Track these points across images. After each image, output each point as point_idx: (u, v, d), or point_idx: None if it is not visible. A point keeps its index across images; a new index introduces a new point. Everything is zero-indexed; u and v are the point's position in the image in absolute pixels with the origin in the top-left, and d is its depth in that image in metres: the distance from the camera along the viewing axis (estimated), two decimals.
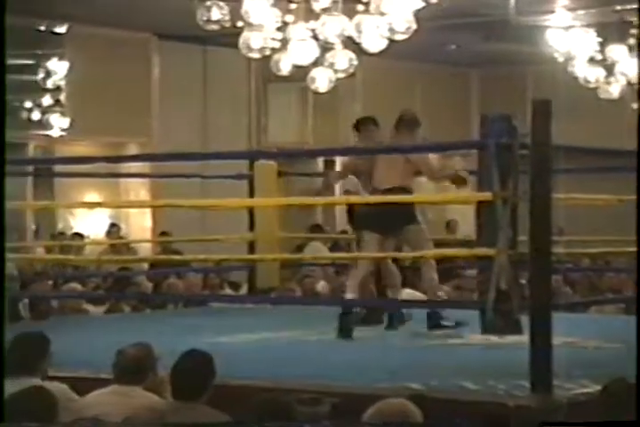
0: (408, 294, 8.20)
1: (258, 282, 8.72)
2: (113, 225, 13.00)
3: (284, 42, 8.87)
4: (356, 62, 8.94)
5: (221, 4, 8.59)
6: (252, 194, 8.54)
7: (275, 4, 8.63)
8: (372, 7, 8.63)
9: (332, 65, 9.03)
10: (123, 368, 4.67)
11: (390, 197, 6.80)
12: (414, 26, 8.63)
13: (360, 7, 8.66)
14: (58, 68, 13.00)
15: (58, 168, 11.79)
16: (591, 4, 12.19)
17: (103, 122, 13.09)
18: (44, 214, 13.29)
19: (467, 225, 11.50)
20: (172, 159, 8.80)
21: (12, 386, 4.18)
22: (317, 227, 13.36)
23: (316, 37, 8.78)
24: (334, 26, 8.65)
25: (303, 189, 11.29)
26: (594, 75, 12.42)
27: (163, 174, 11.23)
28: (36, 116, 13.03)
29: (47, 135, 13.05)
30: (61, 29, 12.98)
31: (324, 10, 8.60)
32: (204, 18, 8.65)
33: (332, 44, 8.81)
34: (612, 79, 12.43)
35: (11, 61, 13.26)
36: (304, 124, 15.20)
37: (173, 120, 13.66)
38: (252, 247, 8.62)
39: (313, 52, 8.87)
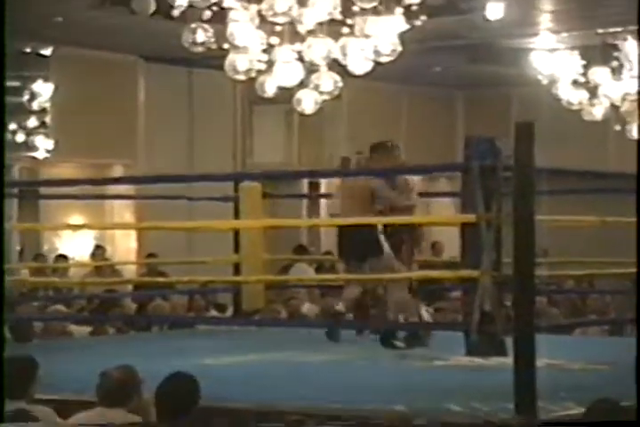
0: None
1: (243, 304, 8.71)
2: (98, 247, 12.98)
3: (270, 64, 8.89)
4: (341, 84, 8.97)
5: (206, 26, 8.62)
6: (237, 215, 8.55)
7: (260, 27, 8.66)
8: (357, 29, 8.67)
9: (317, 87, 9.05)
10: (107, 391, 4.65)
11: (379, 218, 6.83)
12: (399, 48, 8.68)
13: (345, 29, 8.70)
14: (43, 90, 13.01)
15: (43, 190, 11.77)
16: (575, 27, 12.29)
17: (88, 143, 13.10)
18: (30, 236, 13.26)
19: (452, 247, 11.51)
20: (157, 182, 8.80)
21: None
22: (302, 248, 13.36)
23: (301, 59, 8.81)
24: (320, 48, 8.68)
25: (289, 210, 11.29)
26: (577, 97, 12.51)
27: (148, 196, 11.23)
28: (21, 137, 13.03)
29: (32, 157, 13.04)
30: (47, 51, 13.00)
31: (310, 32, 8.63)
32: (190, 40, 8.68)
33: (318, 66, 8.84)
34: (595, 101, 12.51)
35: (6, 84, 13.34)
36: (289, 146, 15.23)
37: (159, 142, 13.68)
38: (237, 269, 8.61)
39: (298, 73, 8.89)
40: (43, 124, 13.06)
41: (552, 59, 12.43)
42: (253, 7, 8.50)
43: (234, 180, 9.20)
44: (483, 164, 5.67)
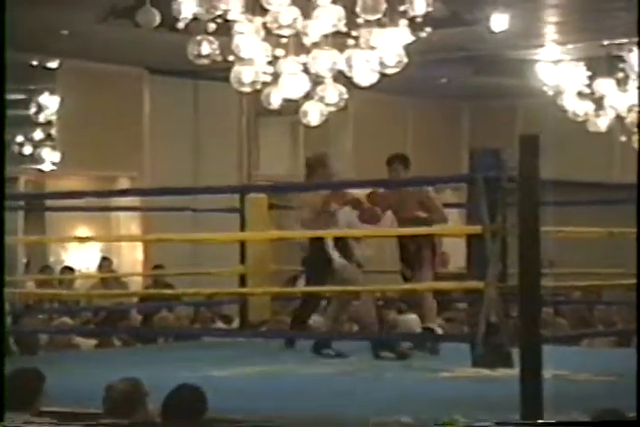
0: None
1: (249, 315, 8.71)
2: (104, 259, 12.99)
3: (275, 76, 8.91)
4: (346, 96, 8.97)
5: (212, 38, 8.63)
6: (243, 227, 8.55)
7: (265, 39, 8.68)
8: (363, 41, 8.68)
9: (322, 99, 9.06)
10: (112, 403, 4.65)
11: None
12: (405, 60, 8.69)
13: (350, 41, 8.72)
14: (49, 103, 13.05)
15: (49, 202, 11.80)
16: (580, 39, 12.30)
17: (94, 156, 13.13)
18: (36, 248, 13.28)
19: (458, 258, 11.51)
20: (163, 194, 8.82)
21: (6, 422, 4.20)
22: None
23: (306, 71, 8.83)
24: (325, 60, 8.69)
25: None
26: (583, 108, 12.52)
27: (154, 208, 11.25)
28: (27, 150, 13.07)
29: (38, 169, 13.08)
30: (53, 64, 13.05)
31: (315, 44, 8.65)
32: (195, 52, 8.69)
33: (323, 77, 8.86)
34: (600, 113, 12.52)
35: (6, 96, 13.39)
36: (295, 158, 15.24)
37: (165, 154, 13.70)
38: (243, 281, 8.62)
39: (304, 85, 8.91)
40: (49, 136, 13.10)
41: (557, 70, 12.44)
42: (258, 19, 8.52)
43: (240, 192, 9.22)
44: (487, 175, 5.68)
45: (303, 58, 8.79)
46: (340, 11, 8.39)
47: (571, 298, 11.08)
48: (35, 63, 12.99)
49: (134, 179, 13.69)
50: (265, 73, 8.87)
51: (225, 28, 8.59)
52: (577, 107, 12.54)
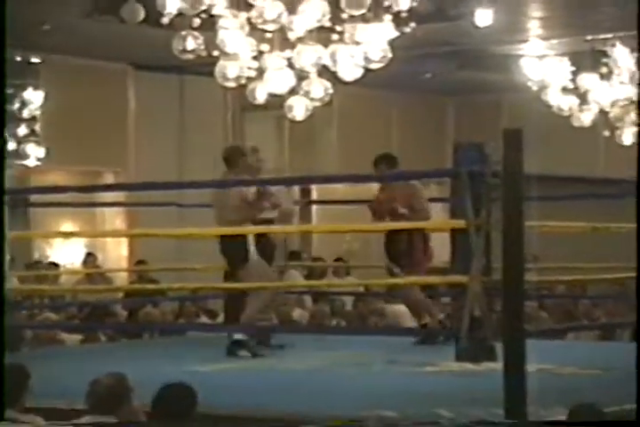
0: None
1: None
2: (89, 254, 12.97)
3: (260, 71, 8.90)
4: (331, 91, 8.98)
5: (197, 33, 8.62)
6: None
7: (250, 34, 8.67)
8: (347, 36, 8.68)
9: (307, 93, 9.06)
10: (97, 398, 4.64)
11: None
12: (389, 55, 8.70)
13: (335, 36, 8.72)
14: (33, 98, 13.01)
15: (33, 198, 11.76)
16: (564, 34, 12.33)
17: (79, 151, 13.10)
18: (20, 244, 13.24)
19: (442, 253, 11.53)
20: (148, 188, 8.80)
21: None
22: (295, 254, 13.38)
23: (291, 66, 8.83)
24: (310, 55, 8.69)
25: None
26: (567, 103, 12.55)
27: (139, 203, 11.23)
28: (11, 145, 13.02)
29: (23, 165, 13.04)
30: (37, 59, 13.01)
31: (300, 39, 8.65)
32: (180, 47, 8.68)
33: (308, 72, 8.86)
34: (584, 107, 12.55)
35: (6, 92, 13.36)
36: (280, 152, 15.24)
37: (149, 149, 13.68)
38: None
39: (289, 80, 8.91)
40: (33, 131, 13.07)
41: (542, 65, 12.47)
42: (243, 15, 8.51)
43: (225, 187, 9.19)
44: (471, 169, 5.69)
45: (288, 53, 8.79)
46: (324, 6, 8.39)
47: (555, 292, 11.11)
48: (18, 58, 12.94)
49: (119, 174, 13.66)
50: (250, 68, 8.86)
51: (210, 23, 8.58)
52: (561, 101, 12.57)
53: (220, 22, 8.54)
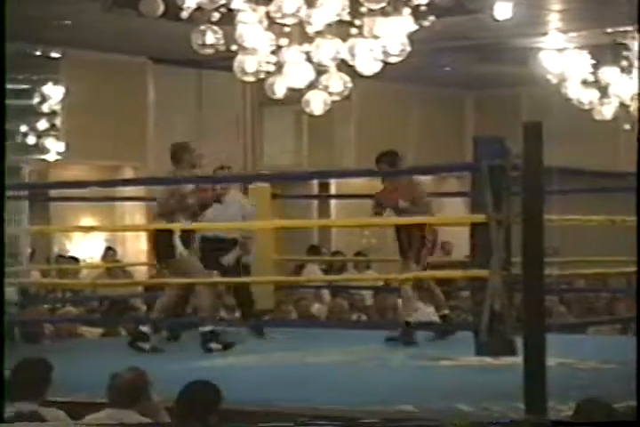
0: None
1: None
2: (109, 249, 13.00)
3: (279, 65, 8.89)
4: (350, 85, 8.96)
5: (216, 28, 8.61)
6: None
7: (269, 28, 8.66)
8: (366, 30, 8.66)
9: (326, 88, 9.04)
10: (117, 392, 4.66)
11: (395, 219, 6.87)
12: (408, 48, 8.67)
13: (354, 30, 8.69)
14: (53, 93, 13.04)
15: (53, 192, 11.80)
16: (584, 27, 12.26)
17: (98, 146, 13.12)
18: (40, 238, 13.28)
19: (462, 247, 11.52)
20: (167, 183, 8.80)
21: (11, 411, 4.23)
22: (315, 248, 13.38)
23: (310, 60, 8.81)
24: (328, 49, 8.67)
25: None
26: (587, 96, 12.49)
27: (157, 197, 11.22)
28: (31, 140, 13.06)
29: (43, 159, 13.08)
30: (57, 54, 13.05)
31: (318, 33, 8.63)
32: (199, 42, 8.67)
33: (327, 66, 8.84)
34: (605, 101, 12.49)
35: (6, 86, 13.41)
36: (299, 147, 15.23)
37: (168, 143, 13.65)
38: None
39: (307, 75, 8.89)
40: (53, 126, 13.10)
41: (561, 58, 12.41)
42: (262, 9, 8.50)
43: (243, 181, 9.21)
44: (492, 163, 5.67)
45: (307, 47, 8.77)
46: None
47: (575, 286, 11.07)
48: (38, 53, 12.98)
49: (138, 168, 13.68)
50: (268, 62, 8.85)
51: (228, 18, 8.57)
52: (581, 95, 12.51)
53: (239, 16, 8.53)
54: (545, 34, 12.60)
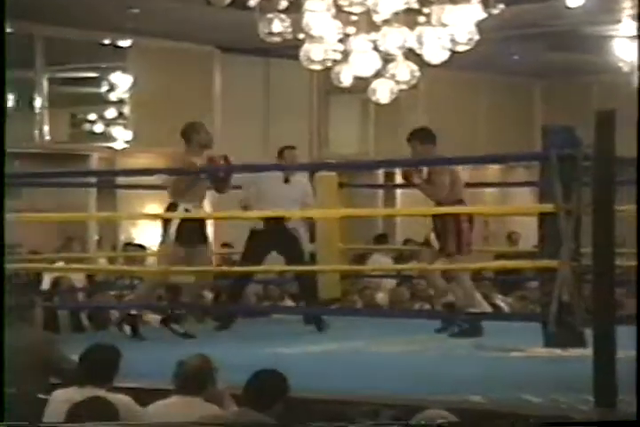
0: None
1: (319, 293, 8.70)
2: None
3: (346, 54, 8.86)
4: (418, 74, 8.90)
5: (283, 16, 8.60)
6: None
7: (336, 16, 8.62)
8: (434, 18, 8.59)
9: (393, 76, 8.99)
10: (183, 379, 4.69)
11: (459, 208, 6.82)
12: (476, 37, 8.59)
13: (421, 19, 8.63)
14: (121, 82, 13.15)
15: (120, 180, 11.90)
16: None
17: (165, 134, 13.20)
18: (107, 225, 13.41)
19: (530, 237, 11.41)
20: (234, 171, 8.83)
21: (79, 396, 4.28)
22: (382, 237, 13.33)
23: (377, 49, 8.76)
24: (395, 37, 8.61)
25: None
26: None
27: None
28: (99, 128, 13.18)
29: (110, 147, 13.19)
30: (125, 43, 13.14)
31: (385, 21, 8.58)
32: (267, 30, 8.66)
33: (394, 55, 8.79)
34: None
35: (75, 74, 13.56)
36: (365, 136, 15.19)
37: (235, 132, 13.72)
38: (313, 259, 8.61)
39: (374, 63, 8.85)
40: (121, 114, 13.21)
41: (634, 46, 12.22)
42: None
43: (310, 170, 9.20)
44: (561, 153, 5.60)
45: (374, 35, 8.73)
46: None
47: None
48: (106, 42, 13.08)
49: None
50: (335, 51, 8.82)
51: (296, 6, 8.55)
52: None
53: (307, 5, 8.51)
54: (618, 21, 12.40)
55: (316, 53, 8.82)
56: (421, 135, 7.65)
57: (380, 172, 14.68)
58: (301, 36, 8.70)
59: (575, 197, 5.56)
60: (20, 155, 12.82)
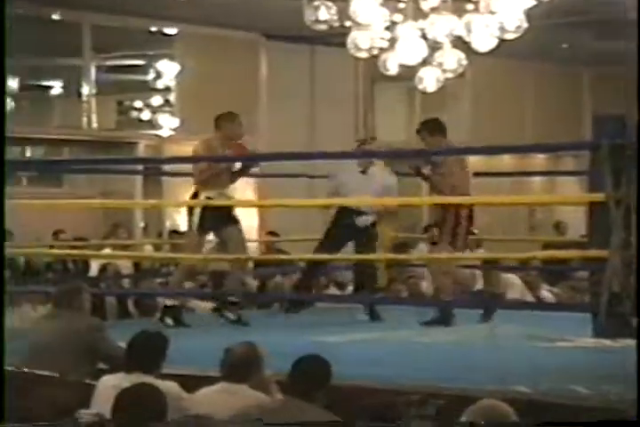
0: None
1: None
2: None
3: (392, 41, 8.81)
4: (465, 62, 8.83)
5: (330, 3, 8.56)
6: None
7: (383, 4, 8.57)
8: (482, 6, 8.51)
9: (440, 65, 8.94)
10: (230, 366, 4.69)
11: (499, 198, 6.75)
12: (525, 24, 8.51)
13: (469, 6, 8.56)
14: (167, 69, 13.18)
15: (166, 167, 11.94)
16: None
17: (211, 121, 13.21)
18: (153, 212, 13.48)
19: (578, 227, 11.31)
20: (279, 159, 8.83)
21: (127, 382, 4.33)
22: (430, 227, 13.26)
23: (424, 37, 8.70)
24: (443, 25, 8.55)
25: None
26: None
27: (269, 174, 11.28)
28: (146, 116, 13.23)
29: (157, 135, 13.23)
30: (171, 30, 13.17)
31: (433, 9, 8.52)
32: (312, 18, 8.63)
33: (441, 43, 8.73)
34: None
35: (122, 62, 13.61)
36: (411, 124, 15.12)
37: (280, 119, 13.72)
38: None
39: (421, 51, 8.79)
40: (167, 102, 13.25)
41: None
42: None
43: (356, 158, 9.17)
44: (613, 142, 5.53)
45: (421, 23, 8.67)
46: None
47: None
48: (153, 29, 13.11)
49: (251, 144, 13.74)
50: (382, 38, 8.78)
51: None
52: None
53: None
54: None
55: (362, 41, 8.78)
56: (430, 126, 7.62)
57: None
58: (347, 23, 8.65)
59: (626, 186, 5.49)
60: (67, 142, 12.91)
